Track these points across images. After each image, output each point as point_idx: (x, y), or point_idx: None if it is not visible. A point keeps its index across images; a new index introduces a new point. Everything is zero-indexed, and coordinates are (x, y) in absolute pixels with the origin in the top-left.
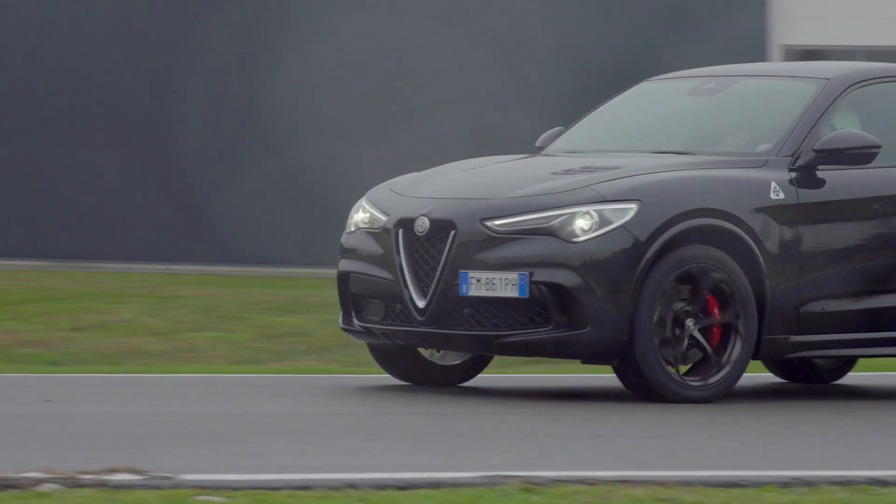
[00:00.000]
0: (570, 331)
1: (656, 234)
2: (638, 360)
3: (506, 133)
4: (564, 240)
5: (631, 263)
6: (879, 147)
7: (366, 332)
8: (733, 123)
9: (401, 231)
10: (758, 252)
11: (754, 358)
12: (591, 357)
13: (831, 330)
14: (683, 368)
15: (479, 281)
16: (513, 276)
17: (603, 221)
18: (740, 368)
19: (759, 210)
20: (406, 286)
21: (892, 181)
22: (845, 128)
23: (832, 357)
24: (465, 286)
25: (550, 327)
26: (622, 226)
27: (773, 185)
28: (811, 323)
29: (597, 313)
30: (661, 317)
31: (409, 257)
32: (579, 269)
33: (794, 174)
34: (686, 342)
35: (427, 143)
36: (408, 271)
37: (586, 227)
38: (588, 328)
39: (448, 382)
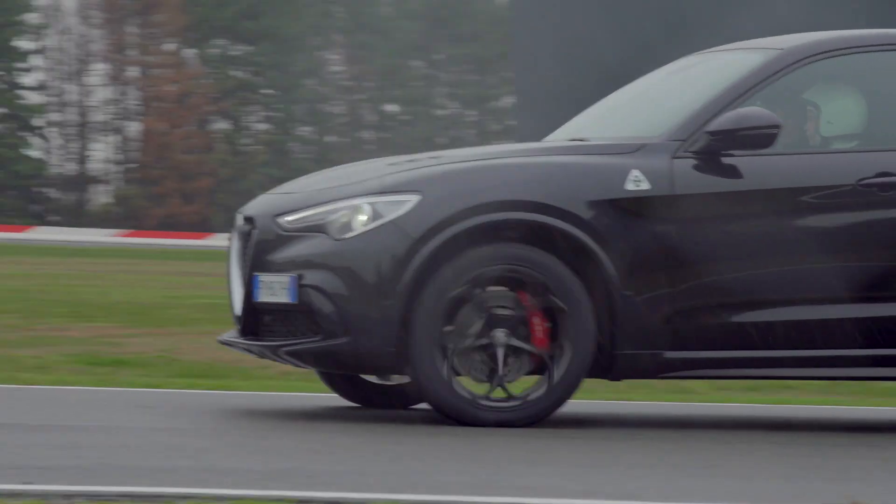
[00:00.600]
0: (331, 340)
1: (434, 231)
2: (417, 376)
3: None
4: (333, 237)
5: (400, 264)
6: (778, 127)
7: (230, 346)
8: (662, 104)
9: (234, 233)
10: (600, 252)
11: (613, 378)
12: (359, 370)
13: (718, 346)
14: (515, 387)
15: (265, 285)
16: (285, 279)
17: (375, 216)
18: (561, 394)
19: (604, 203)
20: (230, 293)
21: (826, 169)
22: (833, 106)
23: (719, 378)
24: (256, 291)
25: (319, 337)
26: (392, 221)
27: (634, 173)
28: (691, 338)
29: (357, 321)
30: (468, 327)
31: (235, 261)
32: (339, 271)
33: (679, 161)
34: (502, 357)
35: None
36: (231, 276)
37: (358, 223)
38: (348, 338)
39: (396, 405)
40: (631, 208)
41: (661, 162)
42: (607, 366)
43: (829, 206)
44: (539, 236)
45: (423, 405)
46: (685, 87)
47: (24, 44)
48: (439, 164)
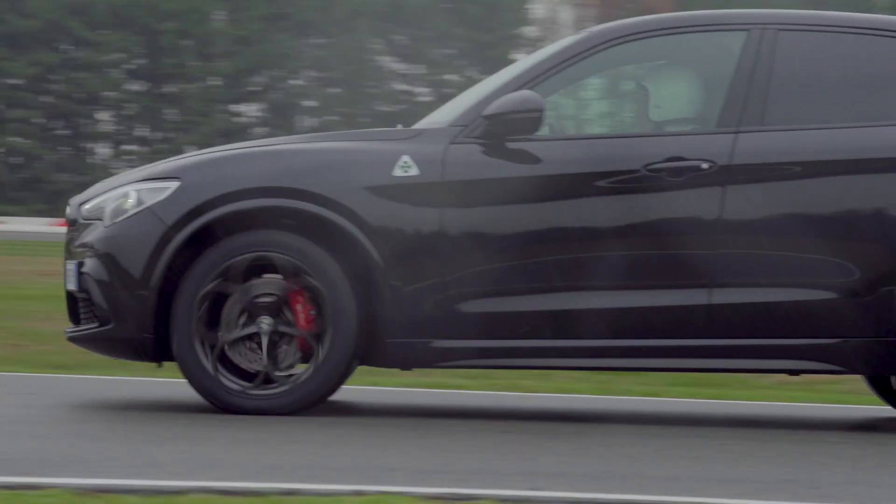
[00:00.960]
0: (103, 327)
1: (189, 218)
2: (182, 368)
3: None
4: (104, 224)
5: (156, 251)
6: (539, 111)
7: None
8: (479, 89)
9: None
10: (363, 239)
11: (386, 366)
12: (126, 356)
13: (497, 335)
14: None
15: (68, 273)
16: (73, 266)
17: (139, 203)
18: (327, 375)
19: (370, 190)
20: None
21: (612, 155)
22: (662, 90)
23: (491, 367)
24: (65, 279)
25: (97, 324)
26: (149, 208)
27: (404, 159)
28: (467, 327)
29: (119, 308)
30: (233, 317)
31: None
32: (104, 258)
33: (456, 147)
34: (266, 344)
35: None
36: None
37: (125, 209)
38: (114, 324)
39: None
40: (397, 195)
41: (436, 148)
42: (379, 354)
43: (611, 191)
44: (303, 224)
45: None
46: (505, 71)
47: (520, 57)
48: (207, 152)
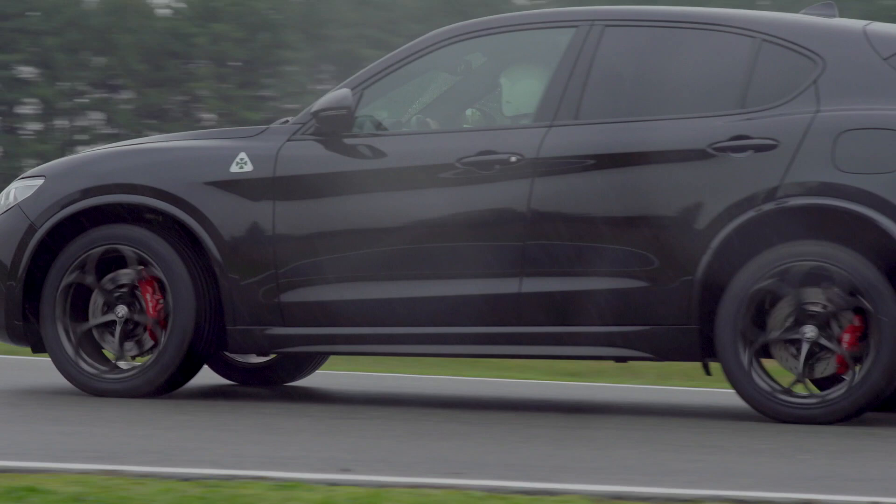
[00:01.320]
0: None
1: (48, 214)
2: (46, 347)
3: None
4: None
5: (21, 244)
6: (347, 109)
7: None
8: None
9: None
10: (203, 232)
11: (229, 350)
12: (5, 340)
13: (325, 323)
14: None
15: None
16: None
17: (14, 199)
18: (166, 363)
19: (209, 185)
20: None
21: (431, 149)
22: (512, 87)
23: (333, 353)
24: None
25: None
26: (17, 205)
27: (241, 156)
28: (297, 315)
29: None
30: (96, 302)
31: None
32: None
33: (293, 143)
34: (119, 331)
35: None
36: None
37: (6, 205)
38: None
39: (253, 383)
40: (233, 190)
41: (272, 145)
42: (225, 341)
43: (427, 183)
44: (152, 219)
45: (293, 382)
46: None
47: None
48: (79, 153)
